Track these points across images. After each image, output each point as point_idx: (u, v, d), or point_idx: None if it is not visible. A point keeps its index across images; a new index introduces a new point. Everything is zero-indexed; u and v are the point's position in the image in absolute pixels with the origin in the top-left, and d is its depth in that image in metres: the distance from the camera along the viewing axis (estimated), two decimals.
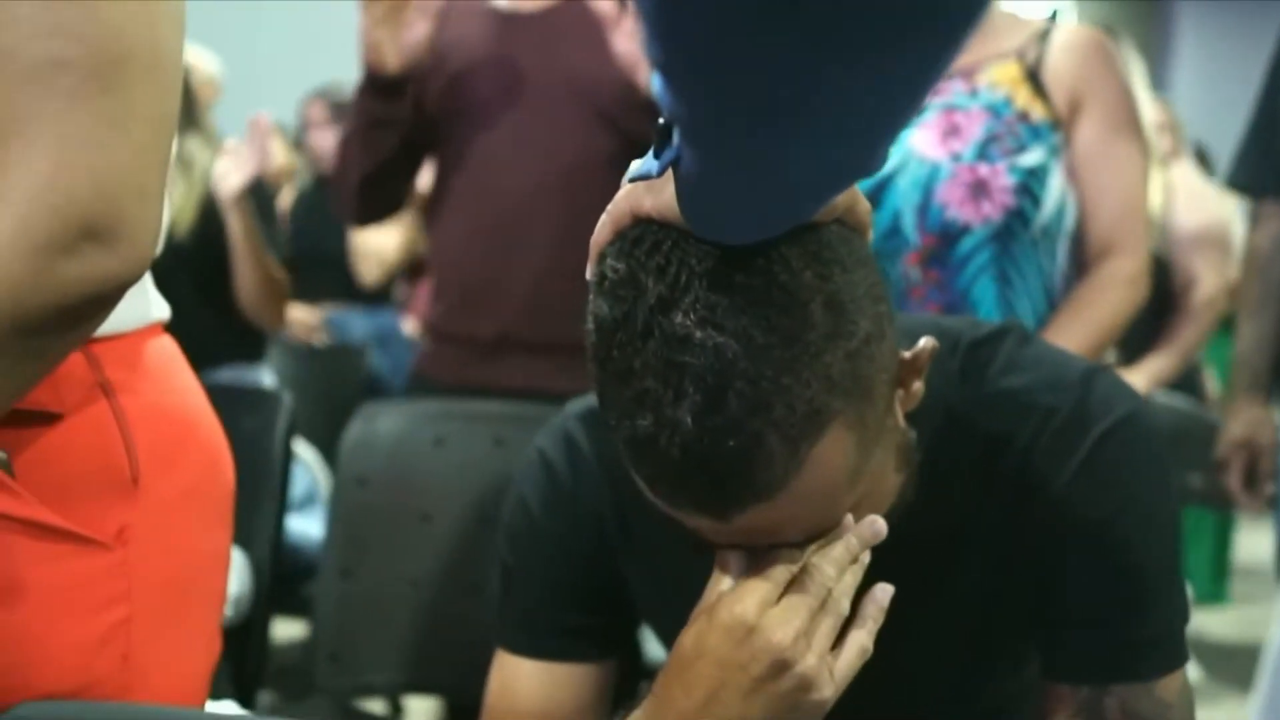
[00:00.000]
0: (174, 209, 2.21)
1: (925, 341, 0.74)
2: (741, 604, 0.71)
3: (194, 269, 2.22)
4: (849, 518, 0.72)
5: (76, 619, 0.80)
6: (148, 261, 0.74)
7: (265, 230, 2.26)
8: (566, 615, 0.91)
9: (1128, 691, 0.79)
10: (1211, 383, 3.50)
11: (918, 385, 0.76)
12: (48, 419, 0.79)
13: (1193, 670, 0.83)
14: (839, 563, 0.72)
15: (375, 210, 1.91)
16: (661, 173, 0.64)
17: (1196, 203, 2.82)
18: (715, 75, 0.51)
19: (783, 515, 0.68)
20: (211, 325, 2.27)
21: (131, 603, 0.83)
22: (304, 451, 2.32)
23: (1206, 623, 3.70)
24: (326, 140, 3.21)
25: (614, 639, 0.94)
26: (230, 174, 2.19)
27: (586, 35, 1.70)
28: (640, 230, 0.67)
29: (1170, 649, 0.81)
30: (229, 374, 2.30)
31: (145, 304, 0.89)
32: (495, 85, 1.73)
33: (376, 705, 2.39)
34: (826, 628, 0.72)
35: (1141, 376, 2.55)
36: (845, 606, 0.73)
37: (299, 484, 2.24)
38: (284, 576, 1.73)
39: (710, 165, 0.59)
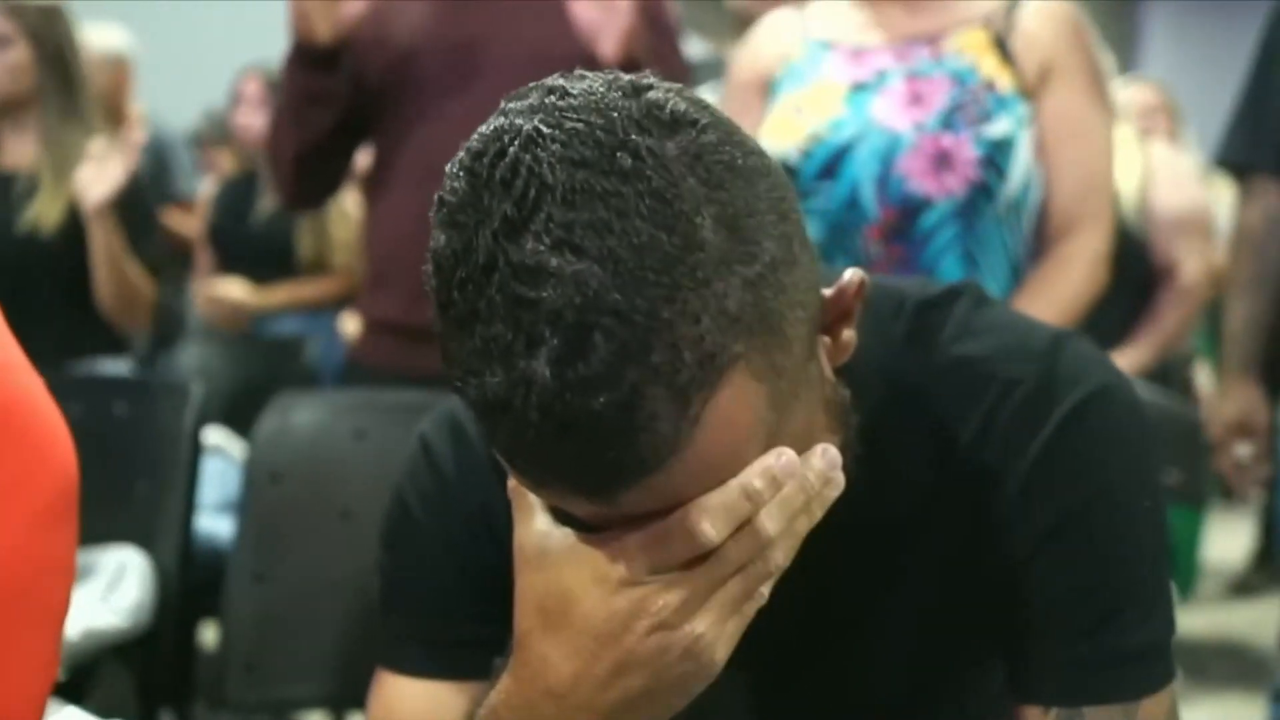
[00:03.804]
0: (38, 205, 2.03)
1: (851, 274, 0.62)
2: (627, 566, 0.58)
3: (58, 269, 2.04)
4: (789, 453, 0.57)
5: None
6: None
7: (135, 234, 2.07)
8: (452, 627, 0.79)
9: (1105, 715, 0.67)
10: (1204, 376, 3.39)
11: (848, 333, 0.63)
12: None
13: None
14: (789, 505, 0.58)
15: (311, 191, 1.80)
16: None
17: (1177, 184, 2.74)
18: None
19: (680, 492, 0.55)
20: (75, 321, 2.09)
21: None
22: (238, 450, 2.20)
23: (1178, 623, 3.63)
24: (256, 120, 3.07)
25: (507, 650, 0.82)
26: (94, 185, 1.98)
27: (543, 4, 1.59)
28: (483, 141, 0.55)
29: (1154, 664, 0.69)
30: (88, 367, 2.13)
31: None
32: (445, 60, 1.61)
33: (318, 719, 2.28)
34: (735, 588, 0.58)
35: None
36: (780, 560, 0.58)
37: (230, 484, 2.12)
38: (211, 583, 1.62)
39: None
